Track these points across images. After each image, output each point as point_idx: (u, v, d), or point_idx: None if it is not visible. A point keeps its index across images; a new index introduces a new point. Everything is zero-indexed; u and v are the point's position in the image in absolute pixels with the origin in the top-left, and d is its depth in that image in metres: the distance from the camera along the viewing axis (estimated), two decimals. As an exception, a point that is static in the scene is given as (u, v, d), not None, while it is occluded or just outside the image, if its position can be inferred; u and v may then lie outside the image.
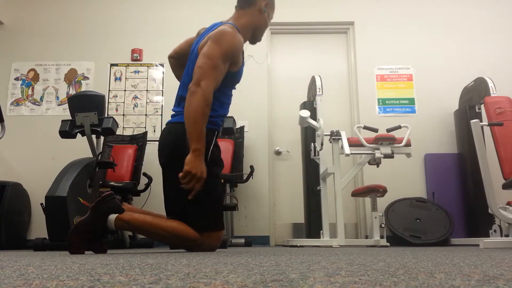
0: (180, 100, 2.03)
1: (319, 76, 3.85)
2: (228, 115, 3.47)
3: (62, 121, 3.32)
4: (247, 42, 2.15)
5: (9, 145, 4.41)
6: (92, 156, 3.29)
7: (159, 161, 2.06)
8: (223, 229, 1.97)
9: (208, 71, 1.83)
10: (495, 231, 3.55)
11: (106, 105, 4.32)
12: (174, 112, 2.07)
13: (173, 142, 1.96)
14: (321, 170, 3.57)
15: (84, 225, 1.77)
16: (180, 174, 1.78)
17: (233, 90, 2.14)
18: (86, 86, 4.67)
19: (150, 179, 3.96)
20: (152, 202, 4.19)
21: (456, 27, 4.78)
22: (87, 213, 1.80)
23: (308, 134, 4.01)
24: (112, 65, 4.73)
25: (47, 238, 2.70)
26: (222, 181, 3.77)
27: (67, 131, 3.24)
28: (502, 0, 4.83)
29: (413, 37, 4.76)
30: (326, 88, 4.01)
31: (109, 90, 4.67)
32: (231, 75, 1.98)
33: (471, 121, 2.84)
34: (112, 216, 1.79)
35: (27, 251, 2.71)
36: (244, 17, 2.06)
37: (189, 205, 1.86)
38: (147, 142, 4.32)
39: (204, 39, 1.98)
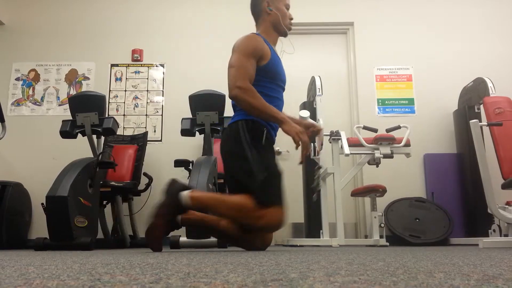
0: (233, 107, 2.25)
1: (319, 76, 3.85)
2: (228, 115, 3.48)
3: (63, 121, 3.32)
4: (280, 38, 2.33)
5: (10, 145, 4.42)
6: (92, 156, 3.30)
7: (223, 161, 2.19)
8: (282, 205, 2.00)
9: (234, 74, 2.01)
10: (494, 231, 3.55)
11: (107, 105, 4.34)
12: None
13: (231, 135, 2.12)
14: (321, 170, 3.57)
15: (162, 206, 1.97)
16: (296, 147, 1.96)
17: (282, 92, 2.27)
18: (86, 86, 4.67)
19: (150, 179, 3.96)
20: (153, 202, 4.19)
21: (455, 27, 4.78)
22: (162, 198, 2.00)
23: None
24: (112, 65, 4.74)
25: (48, 237, 2.70)
26: (222, 181, 3.78)
27: (68, 131, 3.25)
28: (501, 0, 4.83)
29: (412, 37, 4.77)
30: (326, 88, 4.00)
31: (110, 91, 4.67)
32: (263, 68, 2.11)
33: (471, 121, 2.85)
34: (184, 195, 1.96)
35: (28, 251, 2.71)
36: (261, 25, 2.25)
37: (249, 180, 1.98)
38: (148, 142, 4.33)
39: None
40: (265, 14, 2.22)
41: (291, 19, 2.28)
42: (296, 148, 1.97)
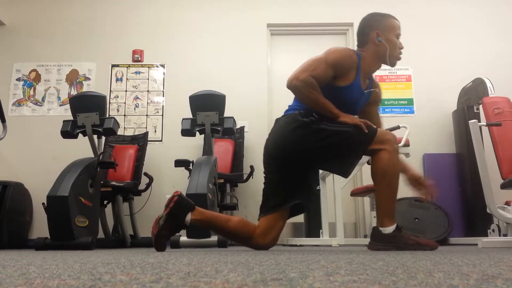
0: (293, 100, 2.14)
1: (319, 76, 3.85)
2: (228, 115, 3.49)
3: (64, 121, 3.32)
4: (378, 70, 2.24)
5: (10, 145, 4.42)
6: (93, 156, 3.30)
7: (272, 154, 2.06)
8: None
9: (306, 69, 1.97)
10: (493, 230, 3.55)
11: (107, 106, 4.34)
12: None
13: (291, 121, 2.01)
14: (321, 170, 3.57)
15: (165, 228, 1.92)
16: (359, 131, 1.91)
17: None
18: (87, 87, 4.68)
19: (151, 179, 3.96)
20: (153, 202, 4.20)
21: (454, 27, 4.78)
22: (163, 218, 1.92)
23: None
24: (113, 66, 4.74)
25: (49, 237, 2.70)
26: (222, 181, 3.78)
27: (69, 131, 3.25)
28: (501, 0, 4.83)
29: (411, 38, 4.75)
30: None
31: (110, 91, 4.67)
32: (338, 89, 2.00)
33: (470, 121, 2.85)
34: (188, 219, 1.93)
35: (29, 251, 2.71)
36: (366, 53, 2.12)
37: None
38: (148, 142, 4.33)
39: None
40: (372, 44, 2.10)
41: (401, 48, 2.16)
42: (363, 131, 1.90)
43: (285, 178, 2.03)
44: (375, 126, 1.96)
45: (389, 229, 1.86)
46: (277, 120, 2.11)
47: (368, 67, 2.11)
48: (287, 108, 2.15)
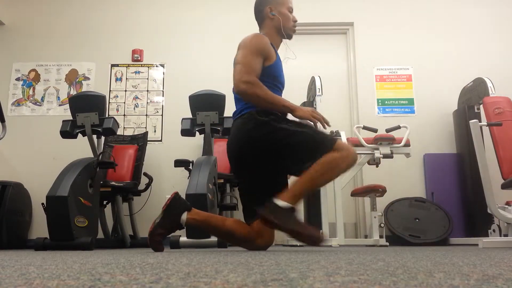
0: (236, 101, 2.22)
1: (319, 76, 3.85)
2: (228, 115, 3.48)
3: (63, 121, 3.32)
4: (284, 41, 2.33)
5: (10, 145, 4.42)
6: (93, 156, 3.30)
7: (236, 157, 2.10)
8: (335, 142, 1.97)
9: (239, 70, 2.03)
10: (494, 230, 3.55)
11: (107, 106, 4.33)
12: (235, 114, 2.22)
13: (248, 123, 2.05)
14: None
15: (161, 226, 1.95)
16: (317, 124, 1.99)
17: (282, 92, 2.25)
18: (87, 87, 4.67)
19: (150, 179, 3.96)
20: (153, 202, 4.20)
21: (455, 27, 4.78)
22: (160, 216, 1.97)
23: (308, 134, 4.00)
24: (112, 65, 4.74)
25: (48, 237, 2.70)
26: (222, 181, 3.78)
27: (68, 131, 3.25)
28: (501, 0, 4.83)
29: (412, 37, 4.77)
30: (326, 88, 4.00)
31: (110, 91, 4.67)
32: (267, 69, 2.11)
33: (470, 121, 2.85)
34: (183, 219, 1.96)
35: (28, 251, 2.71)
36: (265, 29, 2.26)
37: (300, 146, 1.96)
38: (148, 142, 4.33)
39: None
40: (268, 19, 2.23)
41: (295, 21, 2.28)
42: (316, 125, 1.99)
43: (257, 181, 2.05)
44: (329, 125, 2.02)
45: (284, 204, 1.81)
46: (234, 122, 2.16)
47: (274, 43, 2.24)
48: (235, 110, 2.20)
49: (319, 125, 2.02)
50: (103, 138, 3.78)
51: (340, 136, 3.56)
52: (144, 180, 4.02)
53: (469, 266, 0.87)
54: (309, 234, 1.80)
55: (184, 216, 1.95)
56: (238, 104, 2.19)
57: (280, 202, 1.82)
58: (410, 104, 4.62)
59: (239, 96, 2.04)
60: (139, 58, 4.73)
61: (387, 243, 3.49)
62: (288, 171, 2.12)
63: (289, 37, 2.29)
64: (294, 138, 1.95)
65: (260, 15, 2.27)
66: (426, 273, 0.71)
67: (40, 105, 4.64)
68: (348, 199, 4.24)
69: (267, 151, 1.99)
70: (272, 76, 2.13)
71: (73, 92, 4.64)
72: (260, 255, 1.46)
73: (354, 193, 3.78)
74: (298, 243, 3.46)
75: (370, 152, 3.57)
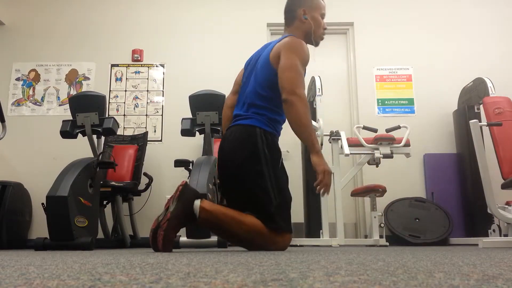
0: (249, 106, 2.07)
1: (319, 76, 3.85)
2: (228, 115, 3.48)
3: (63, 121, 3.32)
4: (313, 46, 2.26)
5: (10, 145, 4.42)
6: (93, 156, 3.30)
7: (227, 165, 2.05)
8: (291, 230, 1.99)
9: (296, 79, 1.91)
10: (494, 230, 3.55)
11: (107, 106, 4.33)
12: (240, 115, 2.10)
13: (248, 141, 1.99)
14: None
15: (176, 217, 1.81)
16: (317, 182, 1.90)
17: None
18: (87, 87, 4.67)
19: (150, 179, 3.96)
20: (153, 202, 4.20)
21: (455, 27, 4.78)
22: (174, 204, 1.83)
23: (308, 134, 4.00)
24: (112, 65, 4.74)
25: (48, 237, 2.70)
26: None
27: (68, 131, 3.25)
28: (501, 0, 4.83)
29: (412, 37, 4.77)
30: (326, 88, 4.00)
31: (110, 91, 4.67)
32: None
33: (470, 121, 2.85)
34: (197, 206, 1.84)
35: (28, 251, 2.71)
36: (293, 30, 2.15)
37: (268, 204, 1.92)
38: (148, 142, 4.33)
39: (274, 50, 2.05)
40: (299, 21, 2.14)
41: (325, 28, 2.19)
42: (315, 185, 1.91)
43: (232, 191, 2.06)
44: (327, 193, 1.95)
45: (197, 205, 1.84)
46: (236, 128, 2.06)
47: None
48: (240, 114, 2.10)
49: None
50: (103, 138, 3.78)
51: (340, 136, 3.56)
52: (144, 180, 4.02)
53: (469, 266, 0.87)
54: (153, 239, 1.79)
55: (197, 203, 1.86)
56: (246, 108, 2.09)
57: (197, 203, 1.83)
58: (410, 104, 4.62)
59: (284, 103, 1.92)
60: (139, 58, 4.73)
61: (387, 243, 3.49)
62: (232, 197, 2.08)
63: (317, 45, 2.22)
64: (260, 192, 1.92)
65: (291, 14, 2.17)
66: (426, 273, 0.70)
67: (40, 105, 4.64)
68: (348, 199, 4.24)
69: (243, 174, 1.97)
70: None
71: (73, 92, 4.64)
72: (260, 255, 1.46)
73: (354, 193, 3.78)
74: (298, 243, 3.46)
75: (370, 152, 3.57)
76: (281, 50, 2.00)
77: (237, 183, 2.00)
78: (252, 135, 1.98)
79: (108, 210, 3.84)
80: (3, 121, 3.45)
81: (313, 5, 2.15)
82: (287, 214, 1.98)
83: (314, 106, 3.77)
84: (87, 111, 3.22)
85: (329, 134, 3.62)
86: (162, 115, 4.62)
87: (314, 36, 2.15)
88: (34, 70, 4.72)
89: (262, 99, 2.03)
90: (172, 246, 1.87)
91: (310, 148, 1.91)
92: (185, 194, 1.87)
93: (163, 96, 4.67)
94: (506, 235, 3.37)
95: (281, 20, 5.27)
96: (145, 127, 4.58)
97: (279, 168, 1.99)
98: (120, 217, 3.70)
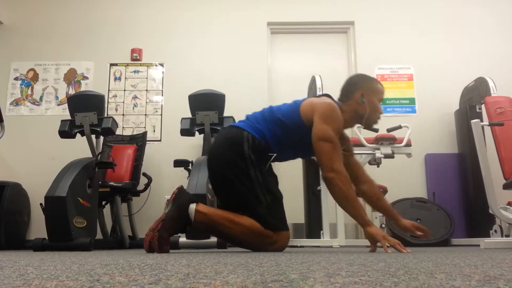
0: (247, 117, 2.16)
1: (319, 76, 3.85)
2: (228, 115, 3.48)
3: (62, 121, 3.32)
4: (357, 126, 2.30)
5: (8, 145, 4.41)
6: (91, 156, 3.29)
7: (214, 165, 2.06)
8: (287, 227, 2.00)
9: (333, 154, 1.93)
10: (495, 231, 3.54)
11: (106, 105, 4.32)
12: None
13: (235, 141, 2.02)
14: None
15: (171, 218, 1.85)
16: (373, 248, 1.94)
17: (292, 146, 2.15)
18: (85, 86, 4.67)
19: (149, 179, 3.95)
20: (152, 202, 4.19)
21: (456, 27, 4.78)
22: (169, 207, 1.88)
23: (308, 134, 4.00)
24: (111, 65, 4.73)
25: (47, 238, 2.70)
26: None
27: (67, 131, 3.24)
28: (502, 0, 4.83)
29: (413, 37, 4.76)
30: (326, 88, 3.99)
31: (109, 90, 4.67)
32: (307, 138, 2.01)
33: (472, 121, 2.84)
34: (192, 209, 1.87)
35: (27, 251, 2.71)
36: (345, 106, 2.13)
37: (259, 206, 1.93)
38: (147, 142, 4.32)
39: (308, 102, 2.06)
40: (355, 102, 2.10)
41: (381, 113, 2.15)
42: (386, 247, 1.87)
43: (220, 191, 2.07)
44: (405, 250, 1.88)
45: (192, 210, 1.87)
46: (228, 129, 2.11)
47: (347, 124, 2.15)
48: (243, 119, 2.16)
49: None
50: (101, 138, 3.77)
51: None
52: (143, 180, 4.01)
53: (471, 267, 0.87)
54: (148, 241, 1.82)
55: (193, 207, 1.88)
56: (244, 119, 2.14)
57: (193, 206, 1.87)
58: (411, 104, 4.61)
59: (325, 181, 1.95)
60: (138, 57, 4.72)
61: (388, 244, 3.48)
62: (222, 200, 2.10)
63: (368, 128, 2.21)
64: (247, 195, 1.94)
65: (348, 91, 2.14)
66: (427, 274, 0.70)
67: (38, 105, 4.63)
68: (348, 199, 4.23)
69: (224, 174, 1.99)
70: (303, 143, 2.04)
71: (71, 91, 4.63)
72: (260, 256, 1.45)
73: (355, 194, 3.77)
74: (299, 244, 3.46)
75: (371, 152, 3.56)
76: (315, 111, 2.01)
77: (224, 185, 2.01)
78: (239, 136, 2.01)
79: (107, 210, 3.84)
80: (1, 120, 3.44)
81: (372, 89, 2.11)
82: (280, 213, 1.99)
83: (314, 106, 3.76)
84: (85, 111, 3.22)
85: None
86: (161, 114, 4.62)
87: (367, 119, 2.12)
88: (32, 69, 4.72)
89: (268, 119, 2.08)
90: (169, 246, 1.87)
91: (360, 222, 1.93)
92: (180, 197, 1.90)
93: (162, 95, 4.67)
94: (507, 236, 3.36)
95: (281, 18, 5.24)
96: (144, 127, 4.58)
97: (265, 169, 2.01)
98: (119, 217, 3.70)
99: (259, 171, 1.97)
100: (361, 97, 2.08)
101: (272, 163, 2.10)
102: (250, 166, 1.95)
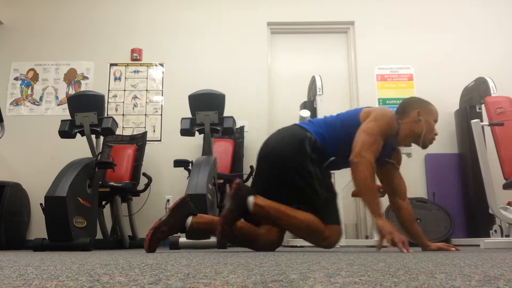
0: (312, 123, 2.18)
1: (319, 76, 3.85)
2: (228, 115, 3.48)
3: (62, 121, 3.31)
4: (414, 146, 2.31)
5: (8, 145, 4.41)
6: (91, 156, 3.29)
7: (271, 156, 2.12)
8: (341, 223, 2.04)
9: (369, 143, 1.98)
10: (495, 231, 3.54)
11: (106, 105, 4.33)
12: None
13: (297, 138, 2.07)
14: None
15: (165, 224, 1.98)
16: (379, 242, 1.97)
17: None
18: (85, 86, 4.67)
19: (149, 179, 3.95)
20: (152, 202, 4.19)
21: (456, 26, 4.78)
22: (166, 214, 2.00)
23: (308, 134, 4.00)
24: (111, 65, 4.73)
25: (47, 238, 2.69)
26: (222, 181, 3.77)
27: (67, 131, 3.24)
28: (503, 0, 4.83)
29: (413, 36, 4.76)
30: (326, 88, 4.00)
31: (109, 90, 4.66)
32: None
33: (472, 121, 2.84)
34: (250, 202, 1.93)
35: (27, 251, 2.71)
36: (404, 125, 2.17)
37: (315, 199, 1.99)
38: (147, 142, 4.32)
39: (366, 110, 2.13)
40: (412, 120, 2.15)
41: (436, 134, 2.19)
42: (388, 243, 1.91)
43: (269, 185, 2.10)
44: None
45: (251, 202, 1.93)
46: (291, 126, 2.17)
47: (402, 142, 2.20)
48: (305, 119, 2.20)
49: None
50: (101, 138, 3.77)
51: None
52: (143, 180, 4.01)
53: (471, 267, 0.87)
54: (220, 231, 1.89)
55: (189, 220, 2.00)
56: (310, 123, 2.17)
57: (251, 199, 1.93)
58: (411, 104, 4.61)
59: (350, 164, 2.00)
60: (138, 57, 4.72)
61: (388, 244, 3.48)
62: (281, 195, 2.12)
63: (424, 147, 2.22)
64: (307, 189, 1.98)
65: (405, 110, 2.19)
66: (427, 274, 0.70)
67: (38, 105, 4.63)
68: (349, 200, 4.22)
69: (285, 171, 2.04)
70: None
71: (71, 91, 4.63)
72: (260, 256, 1.45)
73: (355, 194, 3.77)
74: (299, 244, 3.46)
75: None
76: (371, 113, 2.09)
77: (283, 178, 2.05)
78: (302, 135, 2.07)
79: (107, 210, 3.84)
80: (1, 120, 3.44)
81: (427, 110, 2.17)
82: (334, 208, 2.04)
83: (315, 106, 3.77)
84: (86, 111, 3.21)
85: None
86: (161, 114, 4.62)
87: (423, 138, 2.15)
88: (32, 69, 4.72)
89: (330, 125, 2.12)
90: (156, 247, 1.99)
91: (373, 212, 1.96)
92: (179, 209, 2.02)
93: (162, 95, 4.67)
94: (507, 236, 3.36)
95: (281, 18, 5.24)
96: (144, 127, 4.58)
97: (323, 168, 2.06)
98: (119, 217, 3.70)
99: (318, 168, 2.02)
100: (418, 116, 2.13)
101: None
102: (310, 163, 2.01)
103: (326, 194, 2.00)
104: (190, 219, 2.00)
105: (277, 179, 2.06)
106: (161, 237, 1.98)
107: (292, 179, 2.01)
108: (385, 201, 4.07)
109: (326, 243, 1.97)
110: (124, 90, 4.68)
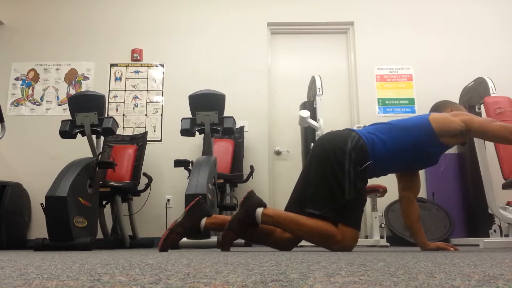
0: (364, 127, 2.22)
1: (319, 76, 3.85)
2: (228, 115, 3.48)
3: (62, 121, 3.32)
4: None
5: (9, 145, 4.41)
6: (92, 156, 3.29)
7: (317, 149, 2.13)
8: (359, 229, 2.01)
9: (502, 127, 2.05)
10: (495, 231, 3.54)
11: (106, 105, 4.33)
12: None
13: (342, 137, 2.09)
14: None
15: (180, 226, 2.01)
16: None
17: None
18: (86, 86, 4.67)
19: (150, 179, 3.95)
20: (153, 202, 4.19)
21: (456, 27, 4.78)
22: (182, 216, 2.03)
23: (308, 134, 4.00)
24: (112, 65, 4.73)
25: (47, 238, 2.70)
26: (222, 181, 3.78)
27: (67, 131, 3.24)
28: (502, 0, 4.83)
29: (413, 37, 4.76)
30: (326, 88, 4.00)
31: (109, 90, 4.67)
32: (442, 143, 2.12)
33: (471, 121, 2.83)
34: (259, 213, 1.95)
35: (27, 251, 2.71)
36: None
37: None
38: (147, 142, 4.32)
39: (436, 115, 2.19)
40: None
41: None
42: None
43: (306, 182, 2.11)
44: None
45: (259, 213, 1.95)
46: (345, 129, 2.19)
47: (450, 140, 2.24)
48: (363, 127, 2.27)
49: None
50: (102, 138, 3.77)
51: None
52: (143, 180, 4.01)
53: (470, 266, 0.87)
54: (220, 241, 1.95)
55: (203, 221, 2.02)
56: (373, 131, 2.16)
57: (260, 211, 1.94)
58: (411, 104, 4.61)
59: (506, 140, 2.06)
60: (138, 58, 4.72)
61: (388, 244, 3.49)
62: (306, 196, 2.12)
63: (463, 144, 2.32)
64: (334, 184, 1.97)
65: (439, 110, 2.38)
66: (427, 273, 0.70)
67: (39, 105, 4.63)
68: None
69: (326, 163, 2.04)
70: (427, 152, 2.14)
71: (72, 92, 4.63)
72: (260, 255, 1.46)
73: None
74: (299, 244, 3.45)
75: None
76: (458, 116, 2.13)
77: (317, 170, 2.05)
78: (346, 134, 2.09)
79: (107, 210, 3.84)
80: (2, 121, 3.44)
81: (458, 108, 2.35)
82: (358, 212, 2.02)
83: (314, 106, 3.77)
84: (86, 111, 3.22)
85: (329, 134, 3.61)
86: (161, 115, 4.62)
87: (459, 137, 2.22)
88: (33, 69, 4.72)
89: (381, 129, 2.14)
90: (169, 247, 2.02)
91: None
92: (194, 210, 2.04)
93: (162, 95, 4.67)
94: (507, 236, 3.37)
95: (281, 19, 5.26)
96: (145, 127, 4.58)
97: (360, 170, 2.02)
98: (119, 217, 3.70)
99: (353, 168, 2.00)
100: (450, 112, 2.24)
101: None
102: (347, 160, 2.00)
103: (352, 195, 1.96)
104: (204, 220, 2.02)
105: (314, 172, 2.06)
106: (177, 238, 2.00)
107: (324, 174, 2.00)
108: (385, 201, 4.11)
109: (338, 246, 1.93)
110: (125, 90, 4.68)
